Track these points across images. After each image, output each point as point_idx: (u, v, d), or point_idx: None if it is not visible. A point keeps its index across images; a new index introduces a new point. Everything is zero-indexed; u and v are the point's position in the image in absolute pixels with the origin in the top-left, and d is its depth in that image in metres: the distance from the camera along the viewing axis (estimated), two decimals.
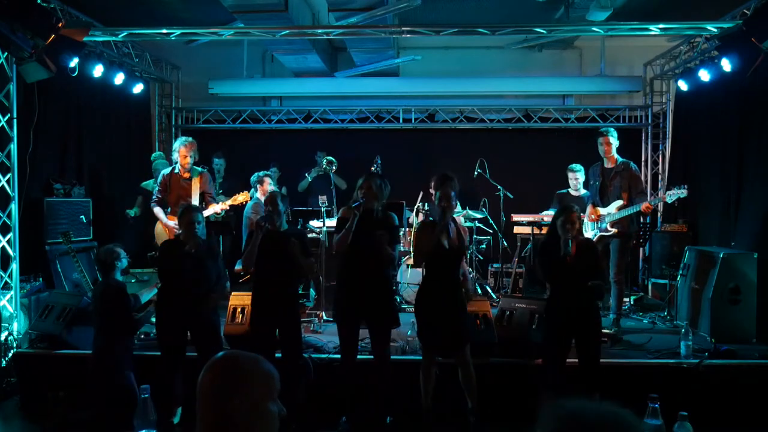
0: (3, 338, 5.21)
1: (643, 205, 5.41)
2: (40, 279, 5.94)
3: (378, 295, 4.16)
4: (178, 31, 6.24)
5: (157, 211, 5.77)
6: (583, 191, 6.72)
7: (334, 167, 6.99)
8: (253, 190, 6.78)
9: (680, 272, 6.06)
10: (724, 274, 5.40)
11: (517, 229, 7.02)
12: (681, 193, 5.40)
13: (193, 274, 4.20)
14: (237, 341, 4.80)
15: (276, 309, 4.23)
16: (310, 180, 7.96)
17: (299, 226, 6.13)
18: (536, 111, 8.69)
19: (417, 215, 7.09)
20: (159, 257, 4.47)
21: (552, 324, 4.16)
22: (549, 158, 8.04)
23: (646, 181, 8.45)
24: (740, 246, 6.02)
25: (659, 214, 8.28)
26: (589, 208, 5.75)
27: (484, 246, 7.24)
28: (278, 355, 4.27)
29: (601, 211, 5.70)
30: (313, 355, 4.72)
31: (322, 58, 8.06)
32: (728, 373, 4.58)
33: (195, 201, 5.70)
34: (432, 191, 7.58)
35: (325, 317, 5.74)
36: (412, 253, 4.42)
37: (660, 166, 8.63)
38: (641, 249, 7.87)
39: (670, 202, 5.61)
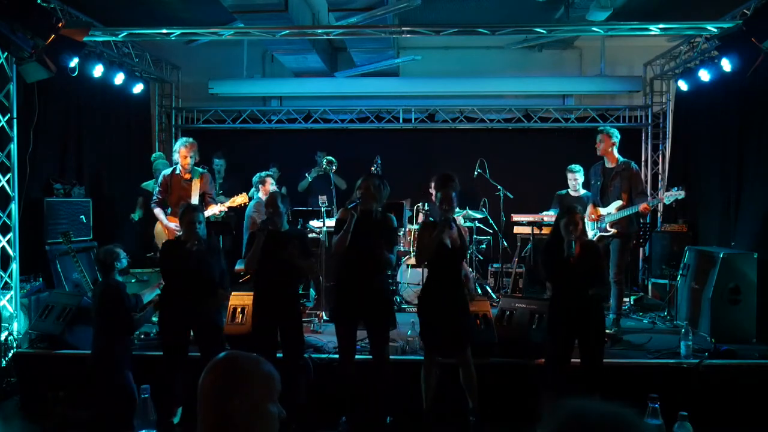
0: (3, 338, 5.21)
1: (641, 206, 5.40)
2: (40, 279, 5.94)
3: (376, 296, 4.16)
4: (178, 31, 6.24)
5: (158, 212, 5.77)
6: (582, 191, 6.72)
7: (334, 167, 6.99)
8: (254, 190, 6.79)
9: (680, 272, 6.06)
10: (724, 274, 5.40)
11: (517, 229, 7.02)
12: (679, 194, 5.41)
13: (196, 273, 4.21)
14: (237, 341, 4.80)
15: (277, 309, 4.23)
16: (310, 180, 7.97)
17: (299, 226, 6.13)
18: (536, 111, 8.69)
19: (417, 215, 7.10)
20: (161, 258, 4.48)
21: (555, 324, 4.15)
22: (549, 158, 8.04)
23: (646, 181, 8.44)
24: (740, 246, 6.02)
25: (659, 214, 8.28)
26: (589, 208, 5.75)
27: (484, 246, 7.24)
28: (279, 355, 4.28)
29: (601, 211, 5.70)
30: (313, 355, 4.72)
31: (322, 58, 8.06)
32: (728, 373, 4.58)
33: (195, 202, 5.71)
34: (432, 191, 7.65)
35: (325, 317, 5.74)
36: (415, 254, 4.42)
37: (660, 166, 8.63)
38: (641, 249, 7.87)
39: (668, 203, 5.61)
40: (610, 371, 4.34)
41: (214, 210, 5.72)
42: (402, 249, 6.72)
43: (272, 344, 4.24)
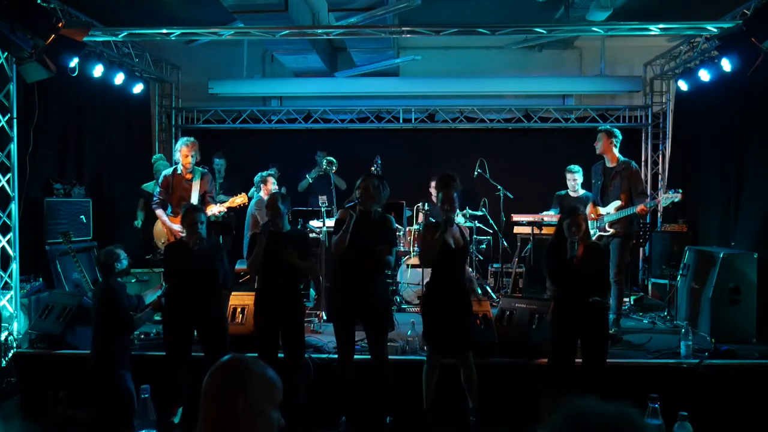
0: (3, 338, 5.21)
1: (638, 208, 5.39)
2: (40, 279, 5.94)
3: (374, 296, 4.16)
4: (178, 31, 6.24)
5: (160, 213, 5.77)
6: (581, 192, 6.73)
7: (334, 168, 7.00)
8: (254, 189, 6.80)
9: (680, 272, 6.06)
10: (724, 274, 5.40)
11: (517, 229, 7.02)
12: (675, 197, 5.42)
13: (199, 273, 4.21)
14: (237, 341, 4.79)
15: (279, 309, 4.23)
16: (310, 181, 7.97)
17: (299, 226, 6.13)
18: (536, 111, 8.69)
19: (417, 215, 7.10)
20: (164, 258, 4.50)
21: (557, 325, 4.15)
22: (549, 158, 8.04)
23: (646, 181, 8.44)
24: (740, 246, 6.02)
25: (659, 214, 8.28)
26: (589, 207, 5.74)
27: (484, 246, 7.24)
28: (280, 355, 4.28)
29: (601, 210, 5.70)
30: (313, 355, 4.72)
31: (322, 58, 8.06)
32: (728, 373, 4.58)
33: (195, 201, 5.71)
34: (432, 191, 7.66)
35: (325, 317, 5.74)
36: (420, 255, 4.42)
37: (660, 166, 8.63)
38: (641, 249, 7.87)
39: (665, 205, 5.61)
40: (610, 371, 4.34)
41: (213, 210, 5.72)
42: (402, 249, 6.72)
43: (274, 345, 4.23)
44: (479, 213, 7.09)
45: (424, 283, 6.38)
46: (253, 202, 6.55)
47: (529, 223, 6.68)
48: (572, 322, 4.03)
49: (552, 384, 4.07)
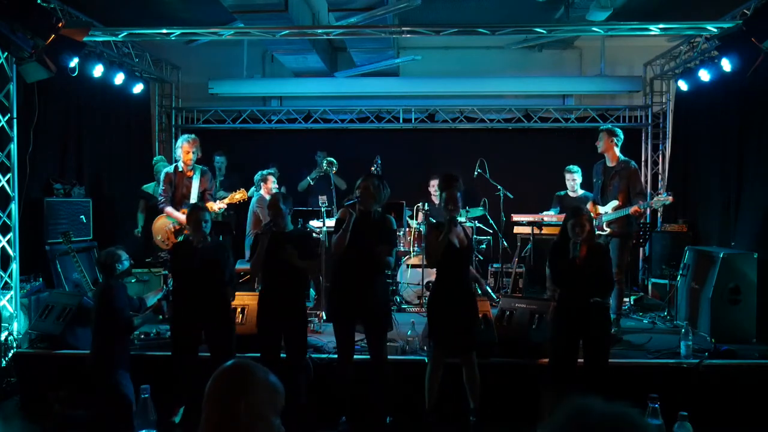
0: (3, 338, 5.21)
1: (632, 209, 5.37)
2: (40, 279, 5.94)
3: (373, 296, 4.16)
4: (178, 31, 6.24)
5: (170, 210, 5.77)
6: (580, 192, 6.73)
7: (334, 168, 7.00)
8: (254, 188, 6.81)
9: (680, 272, 6.06)
10: (724, 274, 5.40)
11: (517, 229, 7.02)
12: (666, 200, 5.46)
13: (205, 271, 4.21)
14: (238, 341, 4.78)
15: (282, 310, 4.22)
16: (311, 182, 7.97)
17: (299, 226, 6.13)
18: (536, 111, 8.69)
19: (417, 215, 7.10)
20: (170, 259, 4.50)
21: (559, 325, 4.15)
22: (549, 158, 8.04)
23: (646, 181, 8.45)
24: (740, 246, 6.02)
25: (659, 214, 8.28)
26: (589, 206, 5.75)
27: (484, 246, 7.24)
28: (282, 355, 4.27)
29: (600, 209, 5.70)
30: (313, 355, 4.71)
31: (322, 58, 8.06)
32: (728, 373, 4.58)
33: (194, 199, 5.73)
34: (431, 190, 7.66)
35: (324, 317, 5.74)
36: (425, 256, 4.43)
37: (660, 166, 8.63)
38: (641, 249, 7.87)
39: (656, 208, 5.62)
40: (611, 371, 4.34)
41: (213, 207, 5.73)
42: (402, 249, 6.72)
43: (276, 345, 4.23)
44: (479, 213, 7.08)
45: (428, 283, 6.41)
46: (254, 200, 6.58)
47: (529, 223, 6.68)
48: (574, 322, 4.03)
49: (552, 384, 4.07)
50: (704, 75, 6.62)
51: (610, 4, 6.41)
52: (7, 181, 5.50)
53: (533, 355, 4.63)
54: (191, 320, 4.24)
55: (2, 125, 5.44)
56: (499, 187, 7.24)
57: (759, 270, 5.40)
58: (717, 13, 6.18)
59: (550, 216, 6.65)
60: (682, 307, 5.99)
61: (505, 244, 7.35)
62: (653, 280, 7.38)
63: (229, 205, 5.96)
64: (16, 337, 5.35)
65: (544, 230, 6.57)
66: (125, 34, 6.30)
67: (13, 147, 5.50)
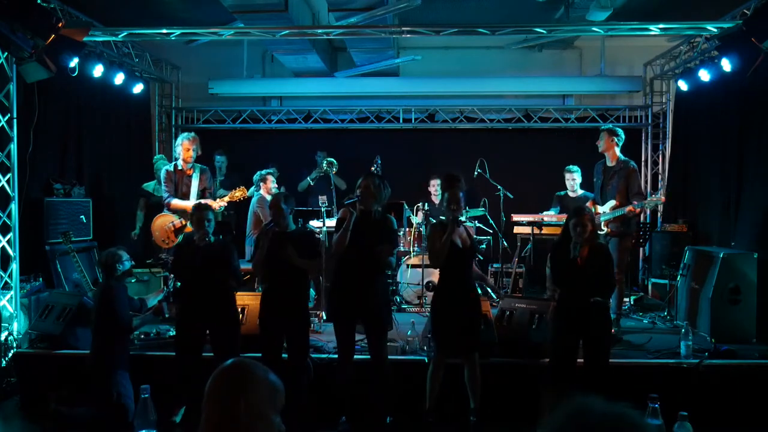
0: (3, 338, 5.21)
1: (628, 209, 5.37)
2: (40, 279, 5.94)
3: (373, 296, 4.15)
4: (178, 31, 6.24)
5: (176, 202, 5.76)
6: (580, 192, 6.73)
7: (334, 169, 7.00)
8: (254, 188, 6.81)
9: (680, 272, 6.06)
10: (724, 274, 5.39)
11: (517, 229, 7.02)
12: (658, 201, 5.53)
13: (208, 269, 4.21)
14: None
15: (284, 310, 4.21)
16: (311, 182, 7.98)
17: (299, 226, 6.14)
18: (536, 111, 8.70)
19: (417, 215, 7.10)
20: (173, 259, 4.49)
21: (559, 325, 4.15)
22: (549, 158, 8.04)
23: (646, 181, 8.46)
24: (740, 246, 6.02)
25: (659, 214, 8.28)
26: (588, 205, 5.75)
27: (484, 246, 7.24)
28: (284, 355, 4.27)
29: (599, 209, 5.70)
30: (313, 355, 4.71)
31: (322, 58, 8.06)
32: (728, 373, 4.58)
33: (194, 197, 5.74)
34: (431, 190, 7.66)
35: (325, 317, 5.74)
36: (429, 257, 4.43)
37: (660, 166, 8.63)
38: (641, 249, 7.87)
39: (650, 209, 5.63)
40: (610, 371, 4.34)
41: (213, 206, 5.73)
42: (402, 249, 6.72)
43: (277, 345, 4.23)
44: (479, 213, 7.08)
45: (428, 282, 6.41)
46: (254, 200, 6.59)
47: (529, 223, 6.68)
48: (574, 322, 4.03)
49: (552, 384, 4.07)
50: (704, 75, 6.62)
51: (610, 4, 6.41)
52: (7, 181, 5.50)
53: (533, 355, 4.62)
54: (196, 320, 4.24)
55: (2, 125, 5.44)
56: (499, 187, 7.23)
57: (759, 270, 5.40)
58: (717, 13, 6.18)
59: (550, 216, 6.65)
60: (682, 307, 5.99)
61: (505, 244, 7.34)
62: (653, 280, 7.38)
63: (229, 204, 5.97)
64: (16, 337, 5.35)
65: (544, 230, 6.57)
66: (125, 34, 6.30)
67: (13, 147, 5.50)
